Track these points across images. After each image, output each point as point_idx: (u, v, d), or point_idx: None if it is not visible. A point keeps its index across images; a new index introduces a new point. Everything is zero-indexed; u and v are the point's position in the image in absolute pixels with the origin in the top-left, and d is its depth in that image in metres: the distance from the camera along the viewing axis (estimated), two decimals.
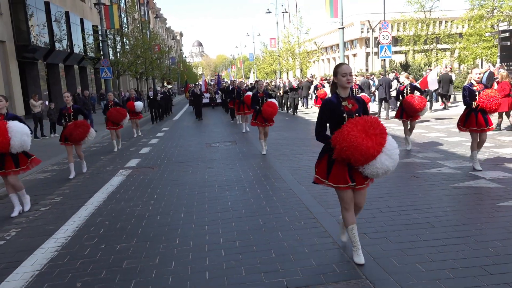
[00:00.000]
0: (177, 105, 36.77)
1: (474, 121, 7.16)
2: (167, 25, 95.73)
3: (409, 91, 9.61)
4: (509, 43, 19.47)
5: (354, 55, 64.62)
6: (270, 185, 7.11)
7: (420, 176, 7.01)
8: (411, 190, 6.25)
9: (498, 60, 21.95)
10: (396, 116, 9.79)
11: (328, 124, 3.85)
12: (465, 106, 7.40)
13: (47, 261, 4.42)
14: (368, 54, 55.77)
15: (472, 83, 7.22)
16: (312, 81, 27.53)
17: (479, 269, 3.65)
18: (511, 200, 5.46)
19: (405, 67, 26.70)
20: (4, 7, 21.49)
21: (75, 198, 6.98)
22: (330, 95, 3.93)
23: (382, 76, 18.74)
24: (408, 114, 9.47)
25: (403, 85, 9.85)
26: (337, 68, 3.78)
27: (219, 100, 29.26)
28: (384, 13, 21.37)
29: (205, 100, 27.46)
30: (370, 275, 3.67)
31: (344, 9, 20.81)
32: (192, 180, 7.80)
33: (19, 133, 5.98)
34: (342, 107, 3.74)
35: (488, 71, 19.48)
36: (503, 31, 20.35)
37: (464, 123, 7.37)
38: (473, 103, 7.12)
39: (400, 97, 9.69)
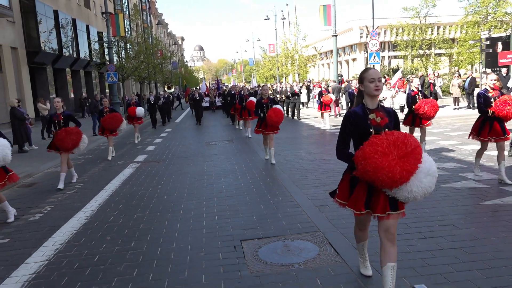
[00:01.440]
0: (178, 109, 38.10)
1: (487, 130, 6.69)
2: (168, 30, 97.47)
3: (421, 96, 9.06)
4: (491, 50, 20.72)
5: (354, 59, 65.91)
6: (259, 173, 8.42)
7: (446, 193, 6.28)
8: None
9: (481, 67, 23.31)
10: (407, 123, 9.11)
11: (353, 140, 3.34)
12: (480, 114, 6.90)
13: (80, 225, 5.73)
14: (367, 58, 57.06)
15: (487, 89, 6.74)
16: (308, 86, 28.83)
17: None
18: None
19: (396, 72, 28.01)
20: (16, 16, 22.85)
21: (95, 184, 8.29)
22: (354, 106, 3.41)
23: (347, 83, 20.28)
24: (418, 121, 9.00)
25: (414, 90, 9.19)
26: (363, 74, 3.29)
27: (219, 104, 30.39)
28: (373, 19, 22.72)
29: (205, 104, 28.30)
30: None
31: (343, 14, 22.41)
32: (193, 171, 9.12)
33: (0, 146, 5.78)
34: (368, 120, 3.20)
35: (470, 77, 20.89)
36: (486, 39, 21.61)
37: (478, 132, 6.85)
38: (489, 110, 6.63)
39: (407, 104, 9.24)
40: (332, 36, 24.23)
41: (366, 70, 3.31)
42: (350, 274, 3.82)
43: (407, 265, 3.91)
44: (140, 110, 15.43)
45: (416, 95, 9.08)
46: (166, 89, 35.38)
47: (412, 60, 36.24)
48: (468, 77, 20.98)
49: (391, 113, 3.34)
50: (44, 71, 26.38)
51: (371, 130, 3.15)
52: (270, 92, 22.86)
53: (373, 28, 21.83)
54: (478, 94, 6.82)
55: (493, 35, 22.86)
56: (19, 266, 4.44)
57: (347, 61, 62.62)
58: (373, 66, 23.32)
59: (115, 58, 28.01)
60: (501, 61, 16.50)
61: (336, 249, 4.35)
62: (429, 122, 9.16)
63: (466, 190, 6.40)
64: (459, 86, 20.83)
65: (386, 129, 3.14)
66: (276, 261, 4.18)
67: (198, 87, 41.47)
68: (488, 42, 20.48)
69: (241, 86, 21.77)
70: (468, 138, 7.27)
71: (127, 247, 4.80)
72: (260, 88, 9.94)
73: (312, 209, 5.80)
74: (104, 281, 3.97)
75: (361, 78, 3.30)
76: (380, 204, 3.11)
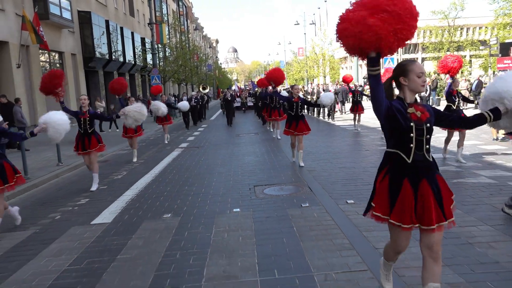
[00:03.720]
0: (211, 109, 41.27)
1: None
2: (204, 33, 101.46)
3: (460, 99, 8.85)
4: (500, 55, 22.63)
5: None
6: (275, 155, 11.16)
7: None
8: None
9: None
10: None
11: (387, 135, 3.00)
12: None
13: (150, 180, 8.64)
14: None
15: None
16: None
17: None
18: None
19: None
20: (75, 26, 26.47)
21: (152, 162, 11.22)
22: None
23: (340, 86, 22.51)
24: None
25: (454, 89, 8.67)
26: (409, 66, 2.92)
27: (250, 104, 32.08)
28: None
29: (236, 104, 28.60)
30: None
31: None
32: (224, 152, 11.98)
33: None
34: (408, 114, 2.88)
35: (478, 80, 22.89)
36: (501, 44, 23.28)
37: None
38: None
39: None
40: None
41: (412, 62, 2.94)
42: (314, 198, 6.50)
43: None
44: (183, 104, 17.72)
45: (456, 95, 8.70)
46: (201, 89, 37.86)
47: None
48: (475, 80, 23.00)
49: (429, 108, 3.00)
50: (96, 74, 30.00)
51: (411, 124, 2.83)
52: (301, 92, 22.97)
53: None
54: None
55: None
56: (118, 198, 7.36)
57: None
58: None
59: (158, 62, 31.33)
60: (498, 66, 18.50)
61: (312, 189, 7.04)
62: None
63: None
64: (466, 89, 22.85)
65: (428, 125, 2.87)
66: (273, 193, 6.94)
67: (232, 88, 44.37)
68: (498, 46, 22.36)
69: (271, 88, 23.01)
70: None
71: (183, 189, 7.67)
72: (291, 88, 9.74)
73: (304, 172, 8.51)
74: (171, 202, 6.81)
75: (406, 71, 2.91)
76: (431, 213, 2.78)
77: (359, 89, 16.91)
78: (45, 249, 4.96)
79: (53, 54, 23.95)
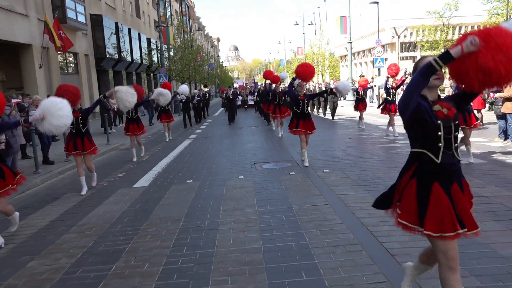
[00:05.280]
0: (213, 106, 43.29)
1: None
2: (205, 32, 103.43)
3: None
4: None
5: (386, 59, 68.68)
6: (272, 142, 13.16)
7: None
8: None
9: None
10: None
11: (412, 135, 2.83)
12: None
13: (170, 161, 10.65)
14: (401, 58, 59.73)
15: None
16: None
17: None
18: None
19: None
20: (88, 29, 28.49)
21: (168, 149, 13.21)
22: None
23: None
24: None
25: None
26: (420, 62, 2.83)
27: (251, 102, 32.29)
28: (378, 22, 26.80)
29: (238, 102, 28.95)
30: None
31: (378, 15, 26.09)
32: (229, 141, 14.03)
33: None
34: (434, 112, 2.72)
35: None
36: None
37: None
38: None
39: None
40: (348, 43, 28.51)
41: (424, 58, 2.85)
42: (299, 170, 8.49)
43: None
44: (183, 88, 16.91)
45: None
46: (202, 87, 38.81)
47: None
48: None
49: (452, 101, 2.85)
50: (107, 73, 32.03)
51: (438, 122, 2.68)
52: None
53: (377, 38, 26.03)
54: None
55: None
56: (148, 172, 9.36)
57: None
58: (379, 69, 27.64)
59: (165, 62, 33.41)
60: None
61: (299, 164, 9.03)
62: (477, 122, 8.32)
63: None
64: (450, 86, 24.81)
65: (456, 122, 2.74)
66: (269, 167, 8.96)
67: (233, 85, 46.21)
68: None
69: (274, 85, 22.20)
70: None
71: (198, 166, 9.70)
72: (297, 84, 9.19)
73: (294, 154, 10.53)
74: (190, 173, 8.81)
75: (418, 68, 2.80)
76: (471, 216, 2.67)
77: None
78: (106, 200, 7.00)
79: (69, 55, 25.97)
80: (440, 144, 2.69)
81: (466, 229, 2.61)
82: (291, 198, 6.36)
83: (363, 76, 25.21)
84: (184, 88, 16.38)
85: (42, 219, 6.16)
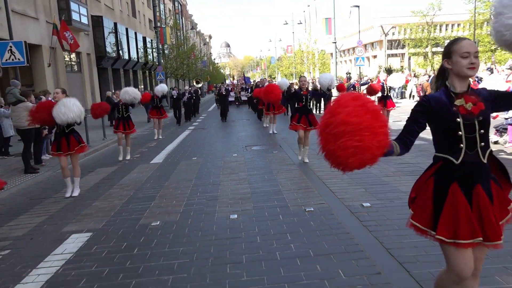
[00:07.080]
0: (205, 104, 45.33)
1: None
2: (197, 29, 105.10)
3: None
4: None
5: (374, 56, 70.15)
6: (261, 131, 15.31)
7: None
8: None
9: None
10: None
11: (432, 137, 2.50)
12: None
13: (175, 147, 12.76)
14: (388, 55, 61.21)
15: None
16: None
17: None
18: None
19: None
20: (90, 29, 30.41)
21: (169, 139, 15.22)
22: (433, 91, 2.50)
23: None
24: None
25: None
26: (452, 46, 2.36)
27: (244, 98, 32.04)
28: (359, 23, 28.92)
29: (230, 99, 28.56)
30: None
31: (365, 12, 27.82)
32: (223, 132, 16.22)
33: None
34: (454, 107, 2.34)
35: (433, 76, 27.09)
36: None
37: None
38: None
39: None
40: (332, 42, 30.62)
41: (458, 40, 2.36)
42: (281, 150, 10.63)
43: None
44: (161, 87, 15.45)
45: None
46: (195, 83, 38.30)
47: (417, 60, 40.68)
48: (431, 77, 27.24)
49: (484, 94, 2.41)
50: (106, 71, 33.95)
51: (458, 120, 2.31)
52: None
53: (359, 39, 28.28)
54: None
55: None
56: (159, 153, 11.45)
57: (368, 58, 67.58)
58: (360, 67, 29.87)
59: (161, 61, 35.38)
60: None
61: (281, 147, 11.18)
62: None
63: None
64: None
65: (481, 118, 2.32)
66: (257, 149, 11.13)
67: (225, 82, 48.13)
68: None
69: (267, 81, 22.13)
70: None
71: (200, 148, 11.85)
72: (299, 79, 9.29)
73: (278, 139, 12.66)
74: (195, 153, 10.93)
75: (449, 53, 2.37)
76: (494, 225, 2.31)
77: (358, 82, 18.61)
78: (131, 171, 9.12)
79: (73, 54, 27.90)
80: (461, 145, 2.34)
81: (481, 238, 2.28)
82: (272, 168, 8.53)
83: (350, 74, 27.05)
84: (160, 88, 15.40)
85: (90, 181, 8.28)
